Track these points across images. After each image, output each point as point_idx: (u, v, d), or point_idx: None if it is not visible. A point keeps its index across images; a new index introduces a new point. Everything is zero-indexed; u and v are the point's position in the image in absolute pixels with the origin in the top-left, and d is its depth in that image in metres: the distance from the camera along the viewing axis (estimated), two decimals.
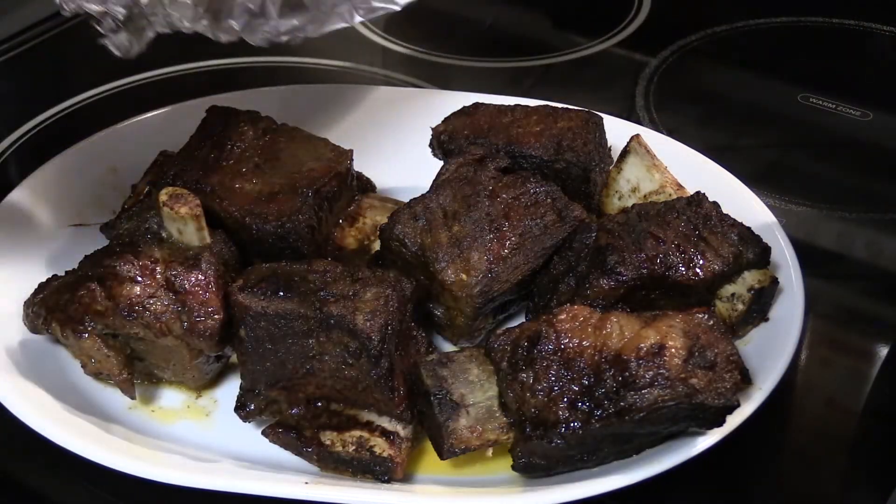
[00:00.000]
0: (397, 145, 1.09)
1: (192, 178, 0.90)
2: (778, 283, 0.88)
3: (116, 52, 0.84)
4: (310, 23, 0.86)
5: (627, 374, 0.74)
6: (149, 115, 1.08)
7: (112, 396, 0.86)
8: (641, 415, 0.72)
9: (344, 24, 0.87)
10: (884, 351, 0.95)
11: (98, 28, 0.84)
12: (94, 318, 0.81)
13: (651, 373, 0.74)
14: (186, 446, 0.83)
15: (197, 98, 1.08)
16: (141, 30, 0.85)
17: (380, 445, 0.80)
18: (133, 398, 0.85)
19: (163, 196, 0.84)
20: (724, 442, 0.77)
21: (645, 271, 0.84)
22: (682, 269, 0.85)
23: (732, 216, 0.89)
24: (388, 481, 0.79)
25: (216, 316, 0.81)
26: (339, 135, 0.98)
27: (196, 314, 0.80)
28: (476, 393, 0.78)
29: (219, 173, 0.91)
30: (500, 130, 0.98)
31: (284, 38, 0.86)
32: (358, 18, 0.87)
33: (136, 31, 0.85)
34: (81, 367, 0.86)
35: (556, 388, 0.75)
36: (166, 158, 0.99)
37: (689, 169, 1.01)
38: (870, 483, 0.84)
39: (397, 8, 0.87)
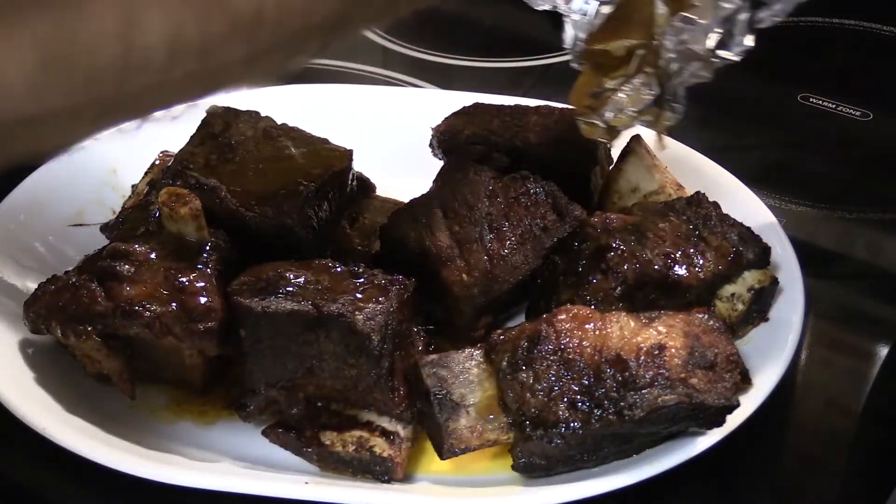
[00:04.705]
0: (397, 145, 1.09)
1: (192, 178, 0.90)
2: (778, 283, 0.88)
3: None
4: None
5: (627, 374, 0.74)
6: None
7: (112, 396, 0.86)
8: (641, 415, 0.72)
9: None
10: (884, 351, 0.95)
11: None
12: (94, 318, 0.81)
13: (651, 373, 0.74)
14: (186, 446, 0.83)
15: None
16: None
17: (380, 445, 0.80)
18: (133, 398, 0.85)
19: (163, 196, 0.84)
20: (724, 442, 0.77)
21: (645, 271, 0.84)
22: (682, 269, 0.85)
23: (732, 216, 0.89)
24: (388, 481, 0.79)
25: (216, 316, 0.81)
26: (339, 135, 0.98)
27: (196, 314, 0.80)
28: (476, 393, 0.78)
29: (219, 173, 0.91)
30: (500, 130, 0.98)
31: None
32: None
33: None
34: (82, 367, 0.86)
35: (556, 388, 0.75)
36: (166, 158, 0.99)
37: (689, 169, 1.01)
38: (870, 483, 0.84)
39: None
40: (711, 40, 0.83)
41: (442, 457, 0.77)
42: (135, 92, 0.50)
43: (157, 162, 1.01)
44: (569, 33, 0.87)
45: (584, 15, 0.85)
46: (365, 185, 1.01)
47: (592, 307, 0.80)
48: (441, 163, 0.97)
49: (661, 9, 0.82)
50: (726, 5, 0.82)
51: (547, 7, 0.88)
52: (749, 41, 0.85)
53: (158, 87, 0.51)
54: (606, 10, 0.84)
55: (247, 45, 0.52)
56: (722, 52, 0.84)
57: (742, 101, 1.31)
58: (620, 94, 0.85)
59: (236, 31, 0.51)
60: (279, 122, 0.97)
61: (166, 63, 0.50)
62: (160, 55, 0.49)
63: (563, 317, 0.78)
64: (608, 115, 0.86)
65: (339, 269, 0.82)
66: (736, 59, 0.85)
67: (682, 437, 0.77)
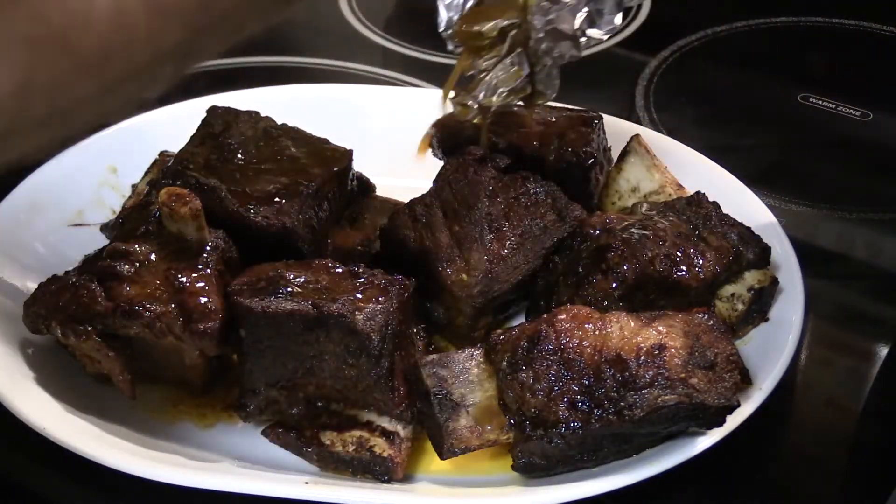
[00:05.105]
0: (397, 145, 1.08)
1: (192, 177, 0.90)
2: (778, 283, 0.88)
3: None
4: None
5: (627, 374, 0.74)
6: (149, 114, 1.08)
7: (112, 396, 0.86)
8: (641, 414, 0.72)
9: None
10: (884, 351, 0.95)
11: None
12: (94, 318, 0.81)
13: (651, 373, 0.74)
14: (186, 446, 0.83)
15: (197, 98, 1.08)
16: None
17: (380, 445, 0.80)
18: (133, 398, 0.85)
19: (163, 196, 0.84)
20: (724, 442, 0.77)
21: (645, 271, 0.84)
22: (682, 269, 0.84)
23: (732, 216, 0.89)
24: (388, 481, 0.79)
25: (216, 316, 0.80)
26: (339, 135, 0.98)
27: (196, 314, 0.80)
28: (476, 393, 0.78)
29: (219, 173, 0.91)
30: (500, 130, 0.98)
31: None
32: None
33: None
34: (82, 367, 0.86)
35: (556, 388, 0.75)
36: (166, 158, 0.99)
37: (689, 169, 1.01)
38: (870, 483, 0.84)
39: None
40: (579, 19, 0.85)
41: (442, 457, 0.77)
42: None
43: (157, 162, 1.01)
44: (442, 15, 0.88)
45: None
46: (365, 185, 1.01)
47: (592, 307, 0.80)
48: (441, 163, 0.97)
49: None
50: None
51: None
52: (617, 20, 0.86)
53: (11, 132, 0.53)
54: None
55: (97, 81, 0.54)
56: (590, 31, 0.86)
57: (742, 101, 1.31)
58: (492, 75, 0.87)
59: (84, 71, 0.53)
60: (279, 122, 0.97)
61: (17, 109, 0.52)
62: (10, 103, 0.51)
63: (563, 317, 0.78)
64: (480, 95, 0.88)
65: (339, 269, 0.82)
66: (604, 37, 0.87)
67: (682, 438, 0.77)
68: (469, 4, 0.86)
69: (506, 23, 0.85)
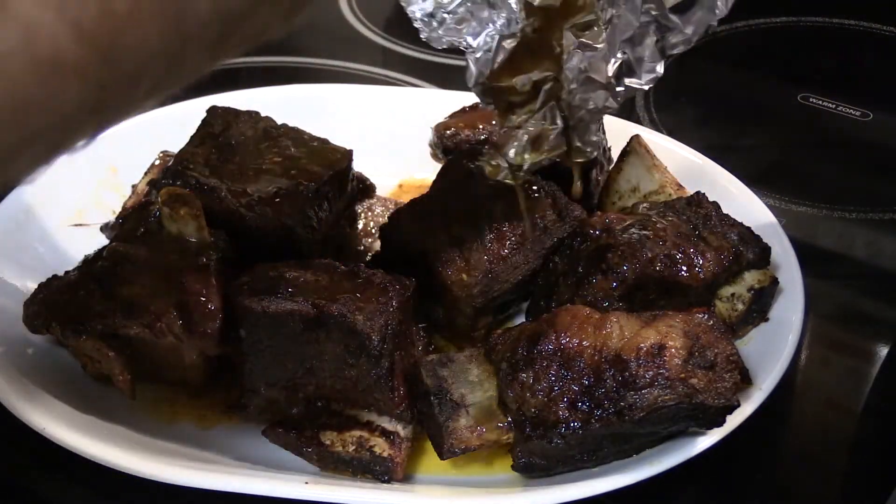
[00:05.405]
0: (397, 145, 1.09)
1: (192, 178, 0.90)
2: (778, 283, 0.88)
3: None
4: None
5: (627, 374, 0.74)
6: (149, 114, 1.08)
7: (112, 396, 0.86)
8: (641, 415, 0.72)
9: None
10: (884, 351, 0.95)
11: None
12: (94, 318, 0.81)
13: (651, 373, 0.74)
14: (186, 446, 0.83)
15: (197, 98, 1.08)
16: None
17: (380, 445, 0.80)
18: (133, 398, 0.85)
19: (163, 196, 0.84)
20: (724, 442, 0.77)
21: (645, 271, 0.84)
22: (682, 269, 0.84)
23: (732, 216, 0.89)
24: (388, 481, 0.79)
25: (216, 316, 0.80)
26: (339, 135, 0.98)
27: (196, 314, 0.80)
28: (476, 393, 0.78)
29: (219, 173, 0.91)
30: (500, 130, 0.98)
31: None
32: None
33: None
34: (81, 367, 0.86)
35: (556, 388, 0.75)
36: (166, 158, 0.99)
37: (689, 169, 1.01)
38: (870, 483, 0.84)
39: None
40: (612, 67, 0.79)
41: (442, 457, 0.77)
42: None
43: (157, 162, 1.01)
44: (472, 71, 0.81)
45: (489, 52, 0.80)
46: (365, 186, 1.01)
47: (592, 307, 0.80)
48: (441, 163, 0.97)
49: (567, 39, 0.77)
50: (625, 30, 0.78)
51: (446, 46, 0.82)
52: (660, 68, 0.80)
53: None
54: (509, 44, 0.79)
55: None
56: (629, 81, 0.80)
57: (742, 101, 1.31)
58: (525, 132, 0.81)
59: None
60: (279, 122, 0.97)
61: None
62: None
63: (563, 317, 0.78)
64: (511, 153, 0.81)
65: (339, 269, 0.82)
66: (645, 87, 0.81)
67: (682, 438, 0.77)
68: (500, 58, 0.79)
69: (539, 76, 0.79)
